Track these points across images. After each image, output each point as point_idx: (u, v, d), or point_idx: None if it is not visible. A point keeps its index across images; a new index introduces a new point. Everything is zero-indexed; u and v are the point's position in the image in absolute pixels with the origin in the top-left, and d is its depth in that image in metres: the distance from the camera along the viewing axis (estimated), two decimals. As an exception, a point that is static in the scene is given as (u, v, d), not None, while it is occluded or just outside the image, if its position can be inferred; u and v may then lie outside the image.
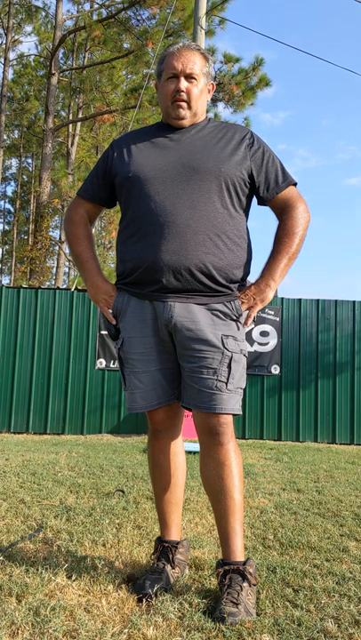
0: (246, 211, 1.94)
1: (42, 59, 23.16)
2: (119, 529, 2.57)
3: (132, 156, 1.89)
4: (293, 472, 4.52)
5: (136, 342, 1.88)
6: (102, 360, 7.58)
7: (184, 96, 1.86)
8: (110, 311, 1.95)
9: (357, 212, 61.97)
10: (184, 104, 1.86)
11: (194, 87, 1.87)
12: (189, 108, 1.87)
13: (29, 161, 32.73)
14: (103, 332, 7.61)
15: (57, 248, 22.64)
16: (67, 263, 25.61)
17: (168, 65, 1.88)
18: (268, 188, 1.91)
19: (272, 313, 7.78)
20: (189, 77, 1.86)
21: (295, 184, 1.95)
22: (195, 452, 5.07)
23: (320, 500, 3.35)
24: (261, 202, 1.96)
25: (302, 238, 1.89)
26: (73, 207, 2.07)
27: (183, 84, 1.86)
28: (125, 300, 1.91)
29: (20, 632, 1.53)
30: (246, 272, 1.91)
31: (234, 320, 1.84)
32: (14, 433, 7.32)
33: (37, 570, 1.97)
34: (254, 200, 1.99)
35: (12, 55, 22.88)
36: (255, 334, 7.74)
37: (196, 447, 5.20)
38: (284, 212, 1.91)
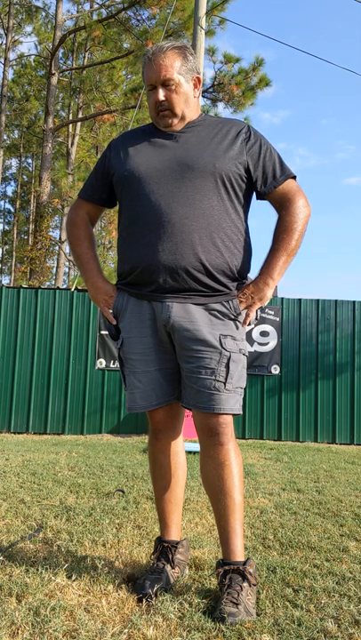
0: (245, 207, 1.92)
1: (42, 59, 23.16)
2: (119, 529, 2.57)
3: (129, 156, 1.88)
4: (293, 472, 4.52)
5: (135, 342, 1.88)
6: (102, 360, 7.58)
7: (166, 105, 1.84)
8: (110, 311, 1.95)
9: (357, 212, 61.95)
10: (168, 112, 1.85)
11: (173, 93, 1.84)
12: (174, 115, 1.85)
13: (29, 161, 32.75)
14: (103, 332, 7.61)
15: (57, 248, 22.64)
16: (67, 263, 25.62)
17: (145, 76, 1.87)
18: (265, 182, 1.88)
19: (272, 313, 7.78)
20: (166, 84, 1.83)
21: (294, 177, 1.92)
22: (195, 452, 5.07)
23: (320, 500, 3.35)
24: (260, 196, 1.93)
25: (302, 234, 1.86)
26: (74, 209, 2.07)
27: (161, 94, 1.83)
28: (125, 300, 1.91)
29: (20, 632, 1.53)
30: (245, 270, 1.89)
31: (232, 319, 1.83)
32: (14, 433, 7.32)
33: (37, 570, 1.97)
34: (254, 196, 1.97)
35: (12, 55, 22.89)
36: (255, 334, 7.74)
37: (196, 447, 5.19)
38: (282, 207, 1.88)
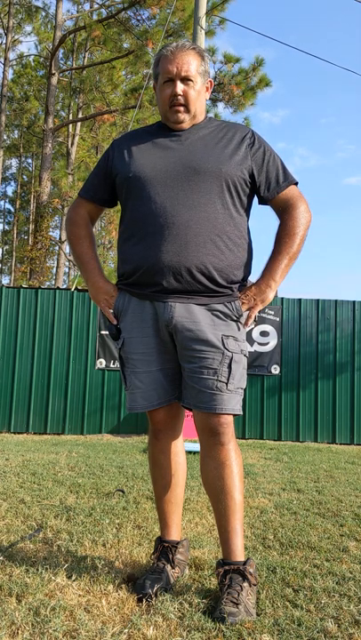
0: (248, 210, 1.94)
1: (42, 59, 23.16)
2: (119, 529, 2.57)
3: (133, 157, 1.89)
4: (293, 472, 4.52)
5: (137, 342, 1.88)
6: (102, 360, 7.58)
7: (181, 100, 1.84)
8: (111, 311, 1.95)
9: (357, 212, 61.91)
10: (182, 108, 1.85)
11: (191, 89, 1.85)
12: (187, 111, 1.86)
13: (29, 161, 32.74)
14: (103, 332, 7.61)
15: (57, 248, 22.64)
16: (67, 263, 25.61)
17: (163, 69, 1.86)
18: (268, 187, 1.91)
19: (272, 313, 7.78)
20: (185, 80, 1.84)
21: (296, 183, 1.94)
22: (195, 452, 5.07)
23: (320, 500, 3.35)
24: (262, 201, 1.95)
25: (303, 238, 1.88)
26: (74, 208, 2.07)
27: (179, 87, 1.84)
28: (126, 300, 1.91)
29: (20, 632, 1.53)
30: (247, 272, 1.91)
31: (234, 320, 1.84)
32: (14, 433, 7.32)
33: (37, 570, 1.97)
34: (255, 199, 1.99)
35: (11, 55, 22.88)
36: (255, 334, 7.74)
37: (196, 447, 5.19)
38: (284, 212, 1.91)
